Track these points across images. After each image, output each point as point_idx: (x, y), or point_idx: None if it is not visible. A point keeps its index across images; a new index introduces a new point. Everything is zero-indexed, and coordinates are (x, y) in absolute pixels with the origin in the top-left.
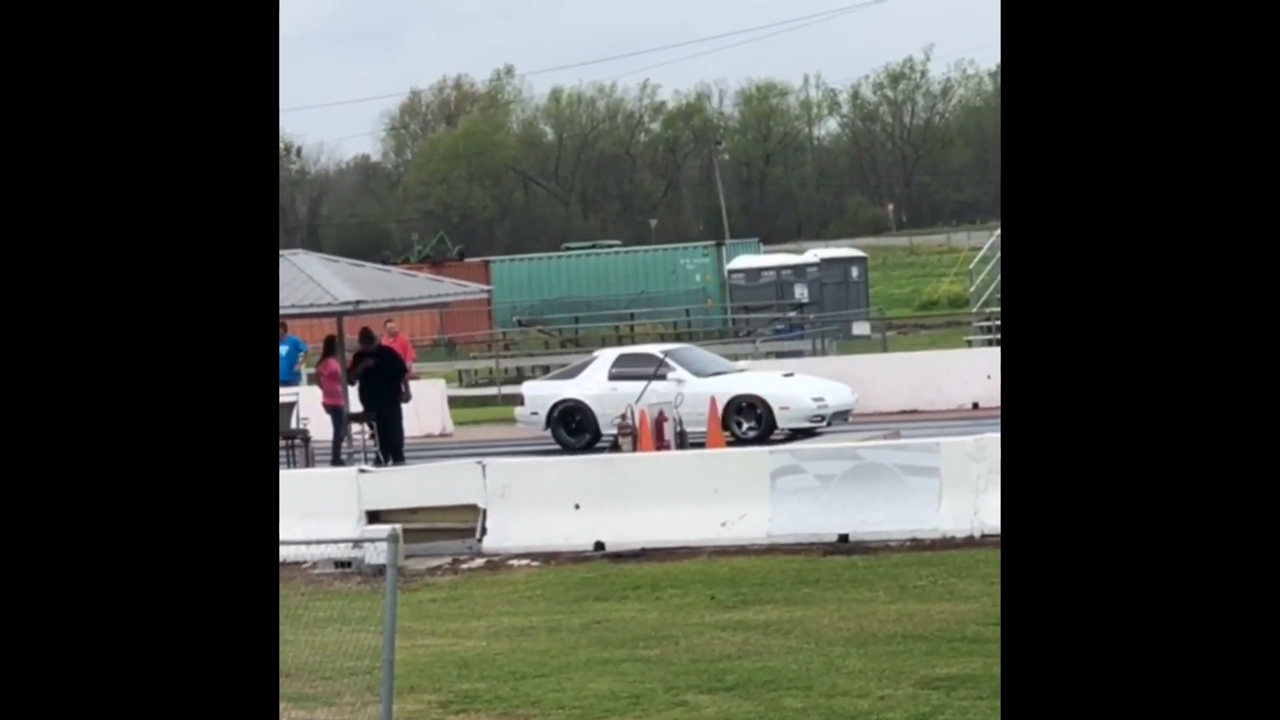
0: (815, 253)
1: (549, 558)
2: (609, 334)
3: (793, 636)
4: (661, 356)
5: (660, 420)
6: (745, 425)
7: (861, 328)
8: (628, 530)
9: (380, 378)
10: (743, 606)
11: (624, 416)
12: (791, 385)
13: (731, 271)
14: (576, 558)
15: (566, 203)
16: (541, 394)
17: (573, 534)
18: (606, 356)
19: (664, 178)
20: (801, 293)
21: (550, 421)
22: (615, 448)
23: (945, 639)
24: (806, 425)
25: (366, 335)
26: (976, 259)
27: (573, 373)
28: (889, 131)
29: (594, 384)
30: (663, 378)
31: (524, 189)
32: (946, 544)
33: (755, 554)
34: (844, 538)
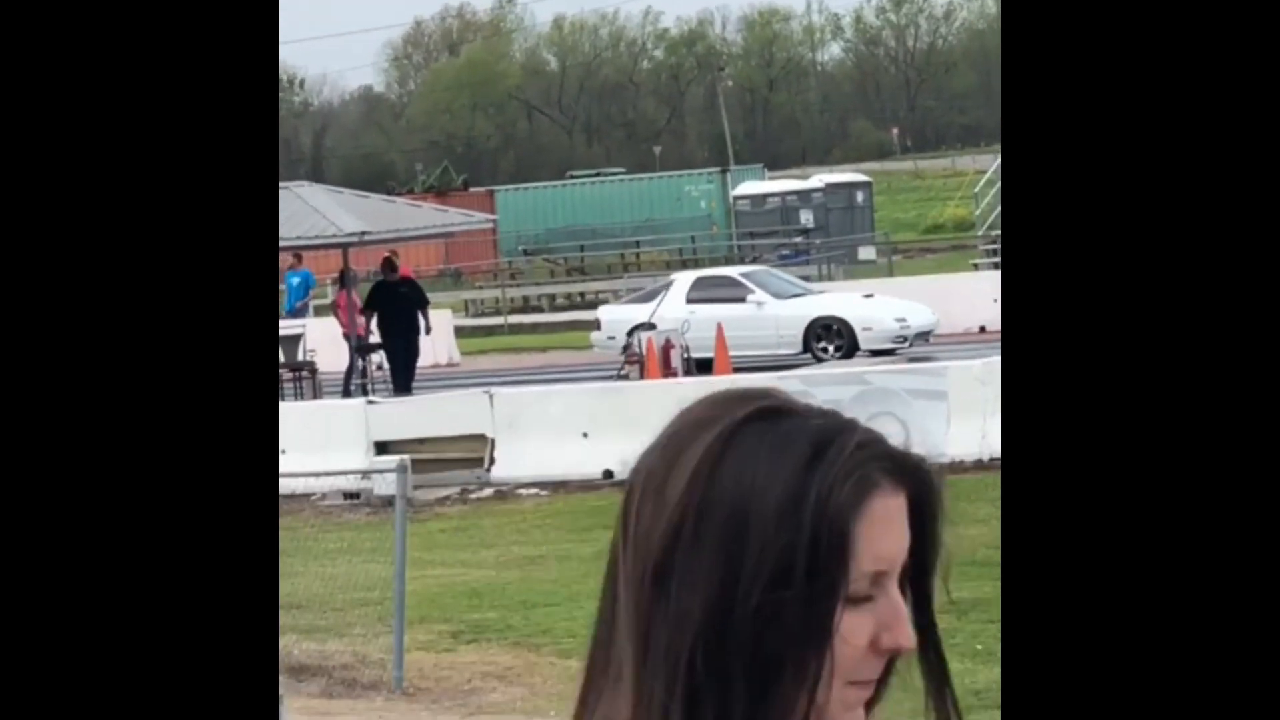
0: (820, 178)
1: (558, 487)
2: (614, 262)
3: None
4: (740, 279)
5: (668, 348)
6: (826, 347)
7: (867, 252)
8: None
9: (407, 306)
10: None
11: (630, 344)
12: (873, 306)
13: (736, 198)
14: (585, 486)
15: (570, 131)
16: (618, 318)
17: (581, 462)
18: (684, 280)
19: (668, 105)
20: (807, 218)
21: (628, 346)
22: (621, 377)
23: (955, 563)
24: (889, 346)
25: (389, 265)
26: (981, 182)
27: (649, 296)
28: (892, 55)
29: (672, 308)
30: (742, 300)
31: (528, 118)
32: (954, 468)
33: None
34: None
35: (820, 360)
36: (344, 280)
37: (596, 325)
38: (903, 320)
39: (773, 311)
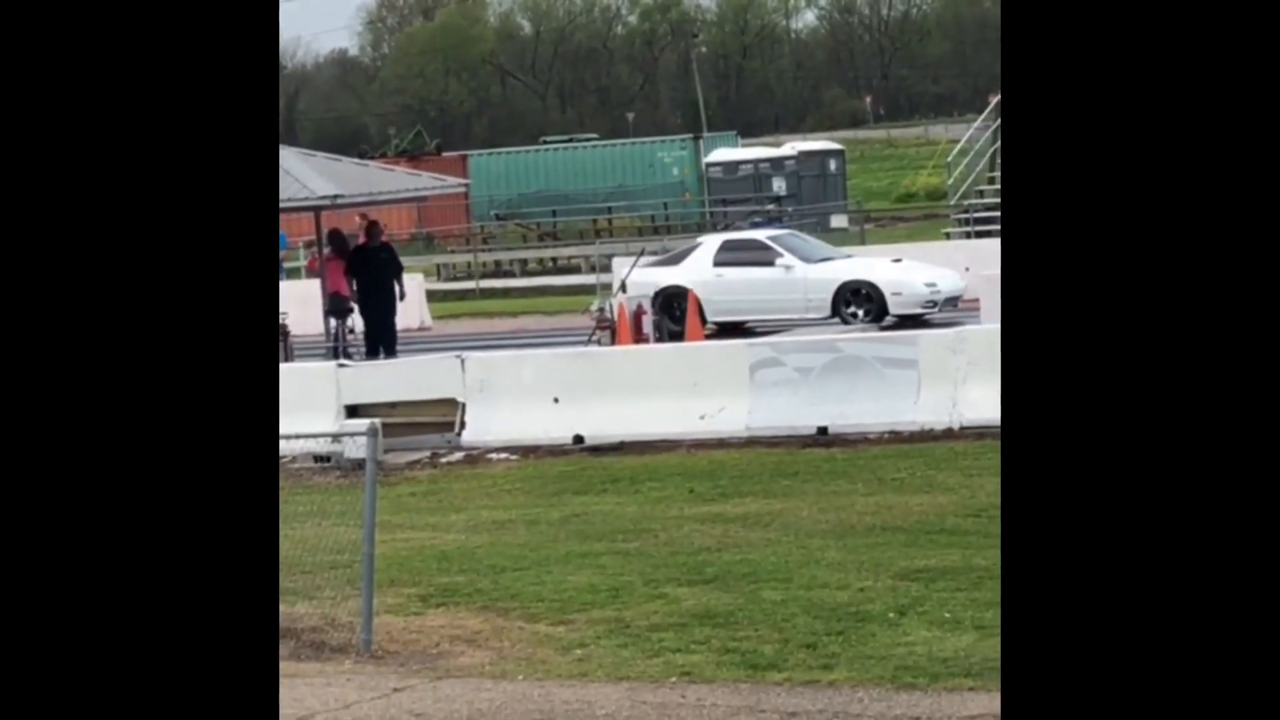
0: (793, 146)
1: (528, 451)
2: (586, 227)
3: (771, 529)
4: (769, 242)
5: (639, 313)
6: (855, 311)
7: (839, 220)
8: (607, 424)
9: (385, 272)
10: (721, 499)
11: (601, 309)
12: (903, 270)
13: (709, 165)
14: (555, 451)
15: (544, 96)
16: (645, 280)
17: (552, 427)
18: (711, 243)
19: (641, 71)
20: (779, 186)
21: (654, 308)
22: (594, 342)
23: (924, 531)
24: (919, 311)
25: (373, 230)
26: (954, 152)
27: (676, 259)
28: (866, 24)
29: (699, 271)
30: (770, 264)
31: (501, 82)
32: (925, 436)
33: (734, 447)
34: (823, 430)
35: (848, 325)
36: (335, 242)
37: (622, 287)
38: (933, 285)
39: (801, 275)
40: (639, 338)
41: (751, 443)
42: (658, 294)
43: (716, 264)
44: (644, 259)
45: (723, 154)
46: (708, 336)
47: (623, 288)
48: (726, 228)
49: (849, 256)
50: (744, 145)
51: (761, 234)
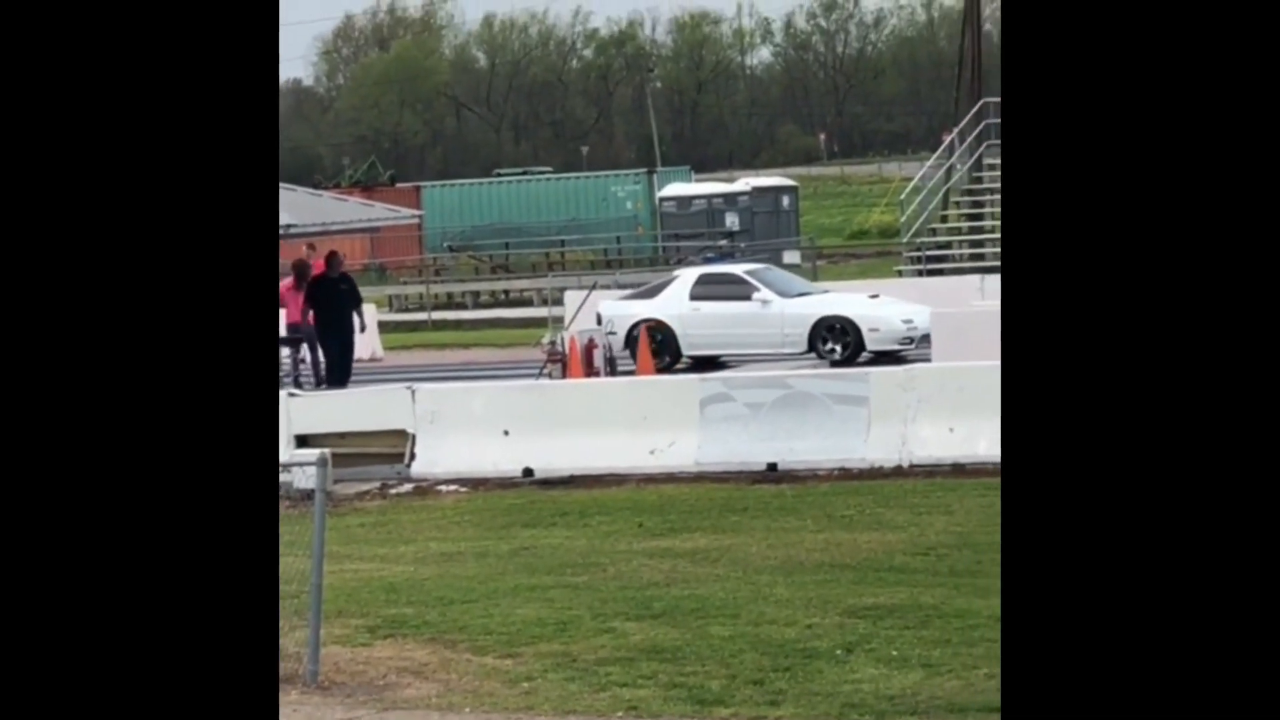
0: (746, 181)
1: (478, 484)
2: (539, 260)
3: (720, 564)
4: (746, 277)
5: (590, 347)
6: (832, 347)
7: (792, 256)
8: (557, 457)
9: (344, 303)
10: (671, 534)
11: (553, 342)
12: (880, 307)
13: (663, 199)
14: (505, 484)
15: (498, 129)
16: (621, 313)
17: (501, 460)
18: (688, 276)
19: (596, 105)
20: (732, 221)
21: (629, 341)
22: (544, 375)
23: (872, 568)
24: (895, 348)
25: (332, 261)
26: (908, 189)
27: (653, 292)
28: (821, 61)
29: (675, 303)
30: (747, 298)
31: (456, 115)
32: (874, 473)
33: (684, 482)
34: (772, 466)
35: (825, 361)
36: (299, 271)
37: (596, 319)
38: (910, 322)
39: (778, 310)
40: (590, 371)
41: (701, 478)
42: (634, 326)
43: (693, 297)
44: (596, 293)
45: (676, 189)
46: (682, 370)
47: (597, 320)
48: (679, 263)
49: (825, 292)
50: (698, 180)
51: (739, 268)
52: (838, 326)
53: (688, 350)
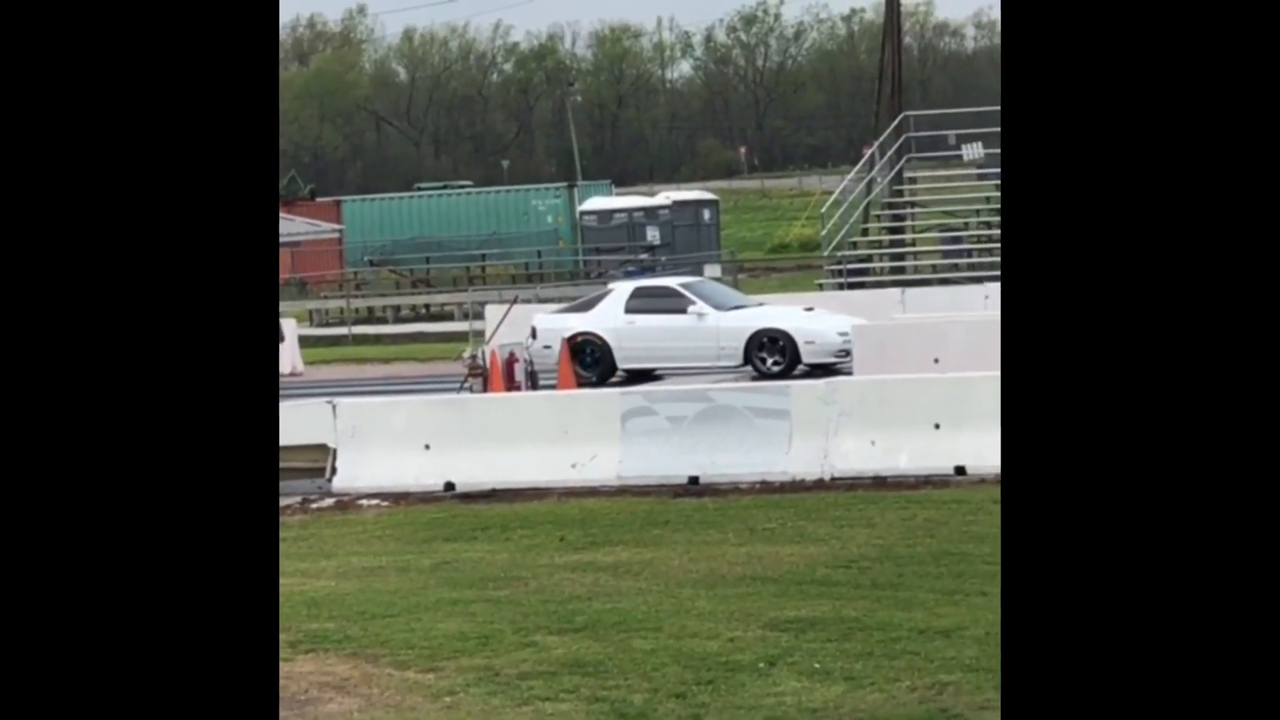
0: (667, 195)
1: (399, 498)
2: (460, 274)
3: (642, 578)
4: (681, 290)
5: (511, 361)
6: (769, 360)
7: (713, 270)
8: (478, 471)
9: None
10: (592, 548)
11: (474, 357)
12: (816, 320)
13: (583, 213)
14: (426, 498)
15: (418, 143)
16: (554, 327)
17: (423, 474)
18: (622, 290)
19: (516, 119)
20: (653, 235)
21: (563, 353)
22: (465, 389)
23: (794, 581)
24: (831, 360)
25: None
26: (828, 203)
27: (587, 305)
28: (742, 74)
29: (610, 317)
30: (683, 311)
31: (376, 129)
32: (796, 487)
33: (605, 495)
34: (694, 480)
35: (762, 374)
36: None
37: (532, 334)
38: (845, 334)
39: (714, 323)
40: (511, 385)
41: (623, 491)
42: (568, 340)
43: (628, 310)
44: (518, 307)
45: (597, 203)
46: (617, 384)
47: (533, 334)
48: (600, 276)
49: (761, 304)
50: (618, 194)
51: (674, 281)
52: (773, 339)
53: (623, 364)
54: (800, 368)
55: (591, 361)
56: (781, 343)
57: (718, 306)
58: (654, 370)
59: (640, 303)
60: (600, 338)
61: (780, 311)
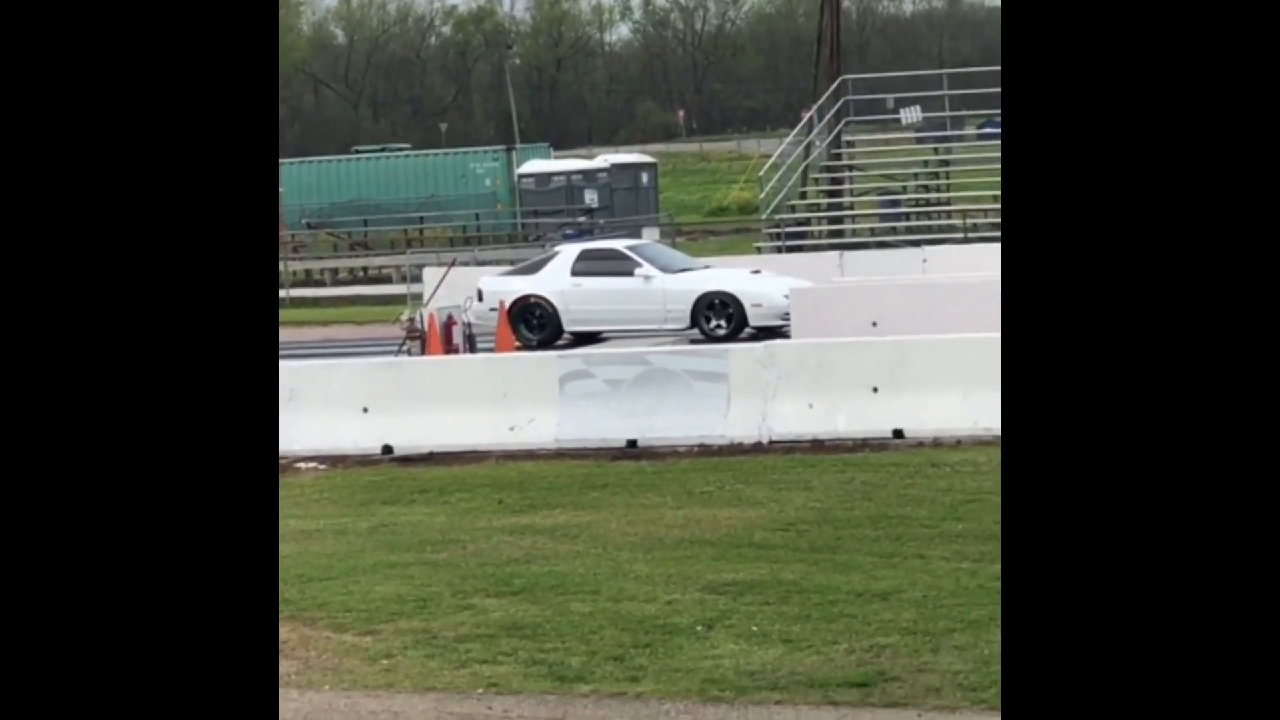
0: (606, 158)
1: (337, 461)
2: (398, 237)
3: (580, 541)
4: (628, 252)
5: (449, 324)
6: (715, 322)
7: (651, 233)
8: (416, 434)
9: None
10: (530, 511)
11: (412, 319)
12: (762, 282)
13: (521, 176)
14: (364, 461)
15: (356, 106)
16: (500, 289)
17: (360, 437)
18: (569, 252)
19: (455, 82)
20: (591, 198)
21: (510, 317)
22: (403, 352)
23: (732, 544)
24: (778, 323)
25: None
26: (766, 166)
27: (533, 268)
28: (680, 38)
29: (557, 280)
30: (629, 274)
31: (314, 91)
32: (734, 450)
33: (543, 459)
34: (632, 443)
35: (709, 337)
36: None
37: (478, 296)
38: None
39: (660, 286)
40: (449, 348)
41: (561, 454)
42: (515, 303)
43: (574, 273)
44: (456, 269)
45: (535, 165)
46: (564, 346)
47: (479, 296)
48: (539, 239)
49: (707, 267)
50: (557, 157)
51: (621, 243)
52: (720, 302)
53: (570, 326)
54: (747, 330)
55: (538, 324)
56: (728, 305)
57: (664, 269)
58: (600, 333)
59: (587, 265)
60: (547, 300)
61: (727, 274)
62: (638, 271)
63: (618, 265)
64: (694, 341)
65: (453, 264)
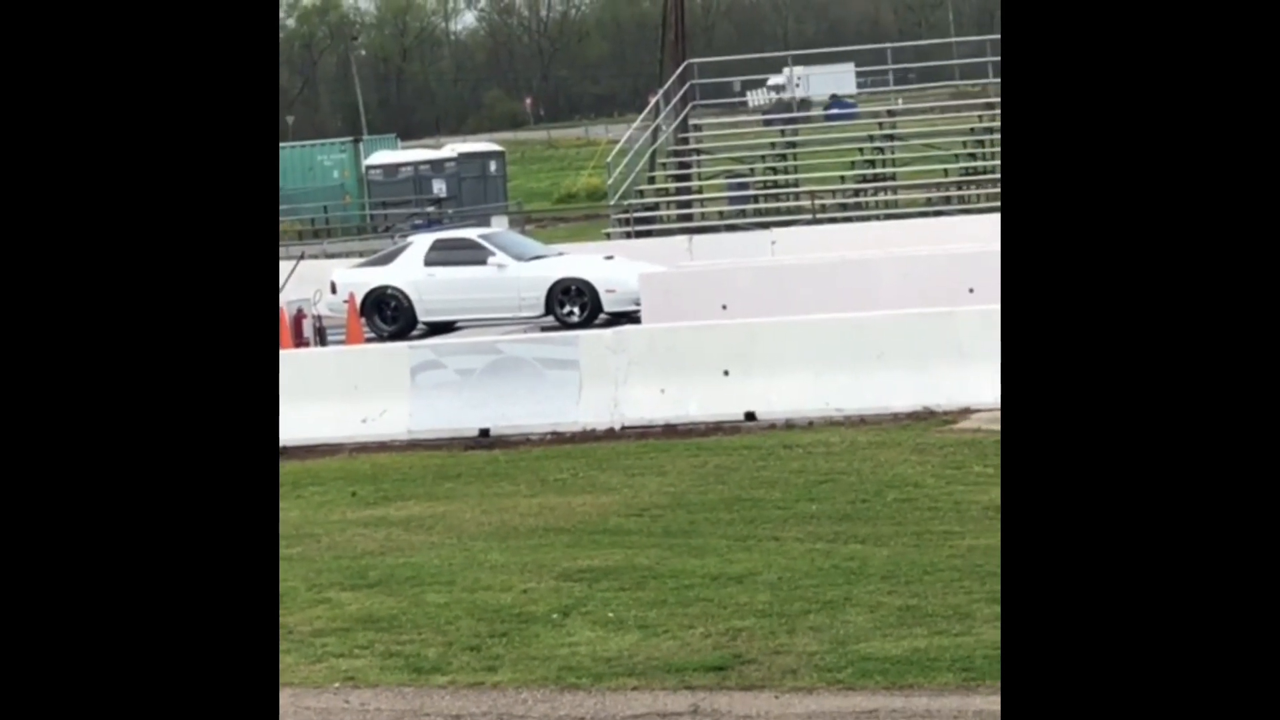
0: (453, 147)
1: None
2: None
3: (435, 532)
4: (481, 241)
5: (299, 318)
6: (570, 309)
7: (500, 222)
8: None
9: None
10: (384, 503)
11: None
12: (616, 268)
13: (369, 167)
14: None
15: None
16: (353, 281)
17: None
18: (422, 242)
19: (300, 74)
20: (439, 188)
21: (364, 309)
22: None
23: (587, 531)
24: (632, 309)
25: None
26: (614, 152)
27: (386, 259)
28: (526, 25)
29: (410, 270)
30: (483, 262)
31: None
32: (587, 436)
33: (396, 450)
34: (485, 432)
35: (564, 323)
36: None
37: (331, 288)
38: None
39: (514, 274)
40: (300, 342)
41: (414, 445)
42: (368, 294)
43: (428, 263)
44: (305, 262)
45: (382, 156)
46: (418, 337)
47: (332, 289)
48: (388, 230)
49: (561, 254)
50: (404, 148)
51: (474, 232)
52: (574, 289)
53: (424, 317)
54: (602, 316)
55: (392, 316)
56: (583, 292)
57: (518, 257)
58: (454, 323)
59: (440, 255)
60: (401, 291)
61: (581, 260)
62: (491, 260)
63: (471, 254)
64: (549, 329)
65: (301, 257)
